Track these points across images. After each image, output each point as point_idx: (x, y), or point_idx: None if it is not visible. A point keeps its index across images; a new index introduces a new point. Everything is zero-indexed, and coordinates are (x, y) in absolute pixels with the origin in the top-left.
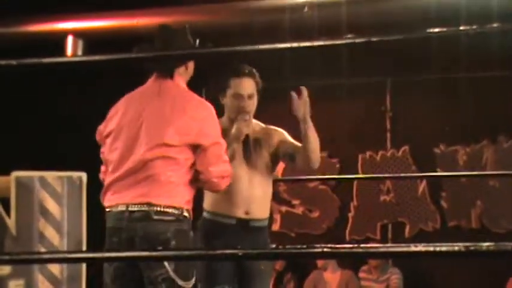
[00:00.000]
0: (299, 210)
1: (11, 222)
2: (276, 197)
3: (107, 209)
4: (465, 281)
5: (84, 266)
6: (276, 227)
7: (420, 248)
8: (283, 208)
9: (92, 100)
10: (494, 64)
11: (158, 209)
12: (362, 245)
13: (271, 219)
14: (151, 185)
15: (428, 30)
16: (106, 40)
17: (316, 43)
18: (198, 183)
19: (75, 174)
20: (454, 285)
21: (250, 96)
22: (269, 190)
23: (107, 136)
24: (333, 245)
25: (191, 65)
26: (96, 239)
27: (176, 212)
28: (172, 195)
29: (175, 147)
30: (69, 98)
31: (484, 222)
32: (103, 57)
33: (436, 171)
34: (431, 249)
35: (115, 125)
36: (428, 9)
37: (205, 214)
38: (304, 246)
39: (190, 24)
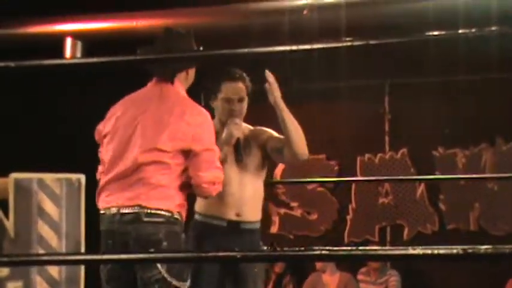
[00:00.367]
0: (297, 212)
1: (9, 224)
2: (275, 199)
3: (101, 211)
4: (463, 283)
5: (82, 267)
6: (274, 229)
7: (418, 251)
8: (282, 210)
9: (92, 101)
10: (492, 67)
11: (148, 211)
12: (360, 248)
13: (269, 221)
14: (142, 188)
15: (427, 33)
16: (105, 42)
17: (315, 46)
18: (190, 188)
19: (73, 176)
20: (452, 287)
21: (240, 100)
22: (260, 192)
23: (105, 136)
24: (331, 248)
25: (192, 72)
26: (95, 241)
27: (167, 214)
28: (163, 199)
29: (168, 153)
30: (68, 99)
31: (482, 224)
32: (102, 59)
33: (434, 174)
34: (430, 252)
35: (111, 126)
36: (427, 12)
37: (196, 216)
38: (303, 248)
39: (190, 26)
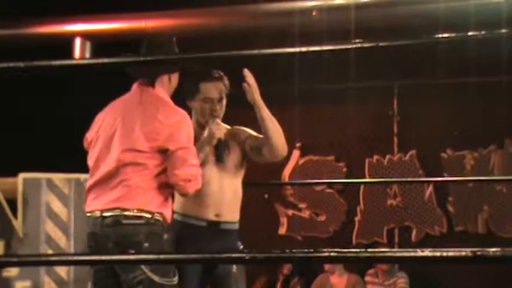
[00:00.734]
0: (306, 213)
1: (18, 223)
2: (283, 201)
3: (87, 214)
4: (472, 286)
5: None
6: (282, 230)
7: (427, 253)
8: (290, 212)
9: (102, 102)
10: (501, 69)
11: (127, 213)
12: (369, 250)
13: (277, 222)
14: (122, 190)
15: (436, 36)
16: (114, 42)
17: (324, 47)
18: (168, 188)
19: (82, 176)
20: None
21: (219, 100)
22: (239, 192)
23: (90, 143)
24: (339, 249)
25: (175, 77)
26: None
27: (146, 215)
28: (142, 200)
29: (145, 153)
30: (77, 99)
31: (491, 227)
32: (111, 60)
33: (443, 176)
34: (438, 254)
35: (95, 132)
36: (437, 14)
37: (175, 216)
38: (311, 250)
39: (197, 27)
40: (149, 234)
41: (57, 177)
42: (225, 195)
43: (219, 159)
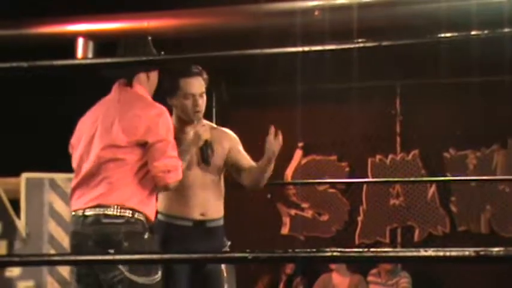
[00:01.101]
0: (308, 213)
1: (20, 223)
2: (286, 200)
3: (72, 214)
4: (475, 286)
5: None
6: (285, 230)
7: (430, 252)
8: (293, 211)
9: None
10: (504, 68)
11: (108, 212)
12: (372, 249)
13: (280, 222)
14: (103, 188)
15: (439, 35)
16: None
17: (327, 47)
18: (153, 183)
19: None
20: None
21: (201, 95)
22: (221, 189)
23: (73, 147)
24: (342, 249)
25: (154, 74)
26: None
27: (127, 214)
28: (123, 196)
29: (124, 148)
30: (79, 99)
31: (493, 226)
32: (114, 60)
33: (445, 176)
34: (441, 253)
35: (77, 135)
36: (439, 13)
37: (159, 216)
38: (314, 249)
39: (199, 26)
40: (129, 234)
41: (60, 177)
42: (209, 194)
43: (205, 161)
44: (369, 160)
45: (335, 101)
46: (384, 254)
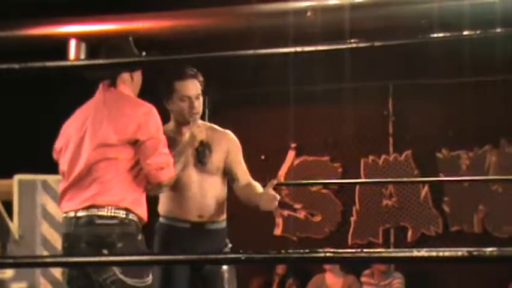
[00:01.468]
0: (301, 214)
1: (13, 225)
2: (278, 201)
3: (63, 215)
4: (468, 285)
5: None
6: (278, 231)
7: (423, 253)
8: (286, 212)
9: None
10: (497, 68)
11: (101, 213)
12: (365, 250)
13: (273, 223)
14: (95, 188)
15: (431, 35)
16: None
17: (319, 47)
18: (145, 182)
19: None
20: None
21: (197, 97)
22: (223, 192)
23: (60, 152)
24: (335, 250)
25: (138, 74)
26: None
27: (120, 214)
28: (115, 195)
29: (115, 147)
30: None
31: (486, 227)
32: (106, 61)
33: (438, 176)
34: (435, 254)
35: (64, 139)
36: (432, 14)
37: (160, 219)
38: (307, 250)
39: (192, 27)
40: (123, 235)
41: (52, 179)
42: (207, 196)
43: (201, 162)
44: (362, 161)
45: (327, 101)
46: (377, 255)
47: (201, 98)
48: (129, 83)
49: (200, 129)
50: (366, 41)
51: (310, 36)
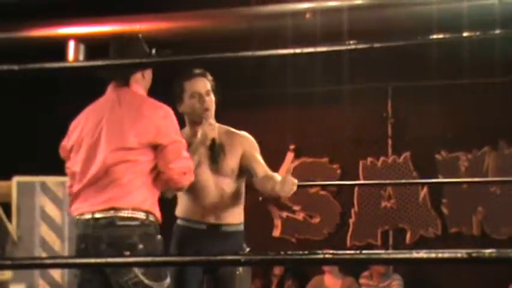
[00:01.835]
0: (300, 216)
1: (12, 227)
2: (277, 203)
3: (76, 217)
4: (466, 286)
5: None
6: (276, 232)
7: (422, 254)
8: (284, 214)
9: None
10: (496, 70)
11: (122, 214)
12: (364, 252)
13: (271, 224)
14: (114, 190)
15: (430, 37)
16: (108, 45)
17: (319, 49)
18: (161, 184)
19: None
20: None
21: (207, 93)
22: (239, 194)
23: (70, 150)
24: (334, 251)
25: (148, 72)
26: None
27: (141, 216)
28: (135, 198)
29: (136, 150)
30: (71, 102)
31: (485, 228)
32: (105, 62)
33: (437, 178)
34: (434, 255)
35: (76, 137)
36: (431, 15)
37: (178, 221)
38: (306, 252)
39: (190, 29)
40: (144, 236)
41: (51, 181)
42: (223, 197)
43: (213, 161)
44: (361, 162)
45: (326, 103)
46: (376, 256)
47: (212, 96)
48: (141, 81)
49: (212, 127)
50: (365, 42)
51: (309, 38)
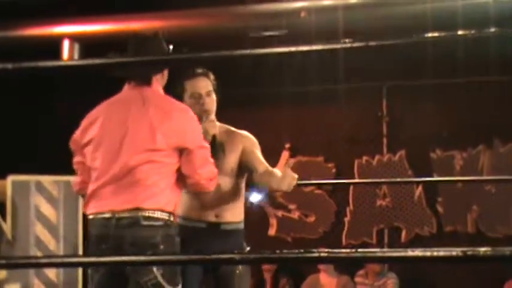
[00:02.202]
0: (295, 214)
1: (6, 226)
2: (272, 202)
3: (91, 216)
4: (461, 285)
5: (80, 270)
6: (272, 231)
7: (417, 252)
8: (280, 213)
9: (90, 103)
10: (490, 69)
11: (147, 214)
12: (359, 250)
13: (267, 223)
14: (139, 190)
15: (425, 35)
16: (103, 44)
17: (314, 47)
18: (184, 186)
19: (71, 178)
20: None
21: (208, 94)
22: (240, 193)
23: (87, 144)
24: (330, 250)
25: (166, 71)
26: None
27: (164, 216)
28: (160, 199)
29: (162, 151)
30: (66, 101)
31: (480, 227)
32: (100, 61)
33: (432, 176)
34: (429, 254)
35: (96, 133)
36: (426, 14)
37: (177, 219)
38: (302, 250)
39: (186, 28)
40: (166, 237)
41: (46, 180)
42: (224, 196)
43: (214, 158)
44: (356, 161)
45: (321, 102)
46: (371, 255)
47: (213, 96)
48: (161, 80)
49: (213, 123)
50: (361, 40)
51: (304, 37)
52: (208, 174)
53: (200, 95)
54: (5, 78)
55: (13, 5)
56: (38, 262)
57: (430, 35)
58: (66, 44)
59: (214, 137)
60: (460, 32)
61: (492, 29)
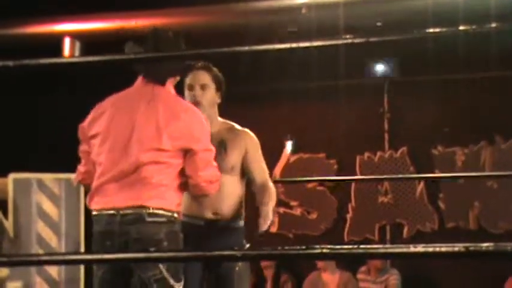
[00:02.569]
0: (297, 211)
1: (8, 224)
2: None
3: (95, 212)
4: (463, 282)
5: (82, 268)
6: (274, 228)
7: (420, 248)
8: (281, 209)
9: (92, 101)
10: (492, 65)
11: (150, 211)
12: (361, 246)
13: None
14: (143, 188)
15: (426, 31)
16: (104, 41)
17: (315, 43)
18: (186, 187)
19: (73, 176)
20: (452, 285)
21: (202, 87)
22: (239, 190)
23: (93, 137)
24: (332, 246)
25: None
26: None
27: (168, 214)
28: (164, 198)
29: (168, 152)
30: (68, 98)
31: (481, 223)
32: (101, 58)
33: (434, 172)
34: (431, 249)
35: (103, 126)
36: (427, 9)
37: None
38: (304, 247)
39: (188, 25)
40: (169, 233)
41: (48, 178)
42: (222, 193)
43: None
44: (357, 157)
45: (323, 98)
46: (374, 251)
47: (210, 90)
48: (173, 79)
49: (207, 121)
50: (362, 36)
51: (305, 33)
52: (209, 177)
53: (193, 86)
54: (6, 75)
55: (14, 3)
56: (40, 260)
57: (431, 30)
58: (67, 41)
59: (211, 134)
60: (461, 28)
61: (493, 24)
